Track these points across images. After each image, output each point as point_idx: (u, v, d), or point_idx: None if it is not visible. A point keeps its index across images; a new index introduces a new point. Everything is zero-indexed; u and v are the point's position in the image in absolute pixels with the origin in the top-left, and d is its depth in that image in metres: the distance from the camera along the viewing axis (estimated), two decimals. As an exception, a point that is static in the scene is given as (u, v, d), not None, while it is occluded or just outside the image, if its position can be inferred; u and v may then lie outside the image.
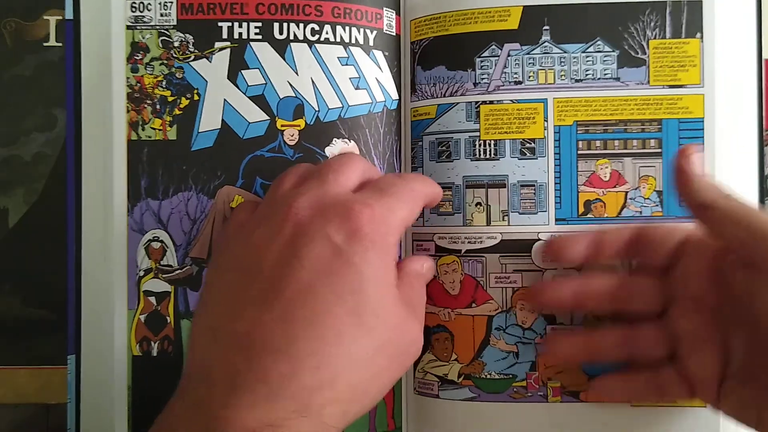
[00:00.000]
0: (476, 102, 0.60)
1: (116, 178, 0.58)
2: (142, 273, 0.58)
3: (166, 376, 0.57)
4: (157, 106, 0.58)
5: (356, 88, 0.60)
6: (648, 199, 0.58)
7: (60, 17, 0.63)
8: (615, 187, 0.59)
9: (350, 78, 0.59)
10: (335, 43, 0.59)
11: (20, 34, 0.63)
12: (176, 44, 0.58)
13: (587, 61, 0.59)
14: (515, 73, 0.60)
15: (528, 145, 0.59)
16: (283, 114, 0.59)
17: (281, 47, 0.59)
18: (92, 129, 0.58)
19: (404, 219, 0.49)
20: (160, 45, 0.58)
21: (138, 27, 0.58)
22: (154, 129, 0.58)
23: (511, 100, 0.60)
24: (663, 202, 0.58)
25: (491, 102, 0.60)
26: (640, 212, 0.59)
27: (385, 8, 0.61)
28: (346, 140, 0.59)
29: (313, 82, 0.59)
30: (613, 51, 0.59)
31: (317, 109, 0.59)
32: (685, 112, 0.58)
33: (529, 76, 0.59)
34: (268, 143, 0.59)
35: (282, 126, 0.59)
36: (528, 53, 0.59)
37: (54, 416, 0.62)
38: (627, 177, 0.59)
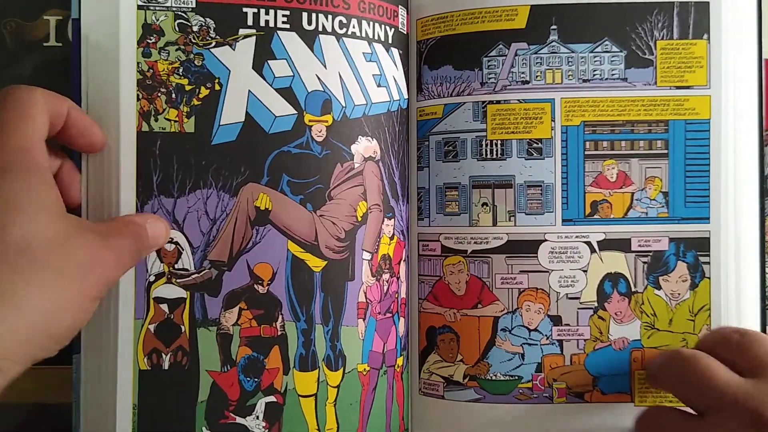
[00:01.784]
0: (483, 102, 0.60)
1: (124, 173, 0.52)
2: (152, 278, 0.53)
3: (179, 391, 0.53)
4: (173, 95, 0.53)
5: (378, 86, 0.58)
6: (654, 200, 0.58)
7: (60, 17, 0.62)
8: (621, 188, 0.59)
9: (373, 75, 0.58)
10: (361, 38, 0.58)
11: (20, 34, 0.62)
12: (195, 29, 0.54)
13: (595, 61, 0.59)
14: (522, 73, 0.59)
15: (535, 145, 0.59)
16: (310, 108, 0.55)
17: (310, 38, 0.56)
18: (96, 118, 0.51)
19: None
20: (177, 29, 0.53)
21: (151, 7, 0.53)
22: (168, 120, 0.53)
23: (518, 100, 0.59)
24: (669, 203, 0.58)
25: (498, 102, 0.59)
26: (646, 213, 0.58)
27: (399, 6, 0.60)
28: (369, 138, 0.58)
29: (340, 76, 0.57)
30: (621, 51, 0.59)
31: (344, 105, 0.57)
32: (692, 113, 0.58)
33: (537, 76, 0.59)
34: (295, 139, 0.55)
35: (310, 121, 0.55)
36: (535, 53, 0.59)
37: (54, 416, 0.61)
38: (633, 178, 0.59)
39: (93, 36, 0.52)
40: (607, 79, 0.59)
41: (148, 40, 0.53)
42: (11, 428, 0.61)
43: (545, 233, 0.59)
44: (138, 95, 0.53)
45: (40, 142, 0.45)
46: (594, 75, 0.59)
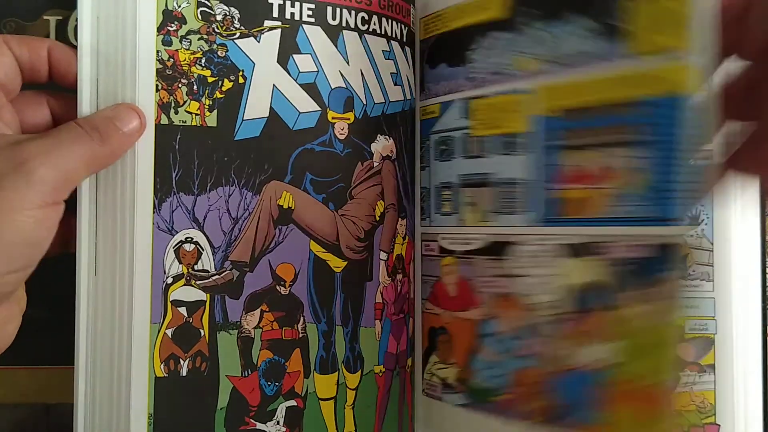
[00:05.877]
0: (467, 98, 0.58)
1: (141, 168, 0.49)
2: (170, 280, 0.50)
3: (198, 398, 0.51)
4: (195, 87, 0.50)
5: (395, 84, 0.58)
6: (639, 195, 0.52)
7: (60, 17, 0.61)
8: (602, 182, 0.52)
9: (391, 73, 0.58)
10: (381, 35, 0.57)
11: (20, 34, 0.61)
12: (219, 18, 0.51)
13: (569, 41, 0.52)
14: (498, 63, 0.56)
15: (510, 139, 0.55)
16: (333, 105, 0.55)
17: (334, 34, 0.55)
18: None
19: None
20: (199, 17, 0.51)
21: None
22: (189, 113, 0.50)
23: (495, 93, 0.56)
24: (656, 197, 0.52)
25: (480, 97, 0.57)
26: (631, 210, 0.52)
27: (411, 5, 0.61)
28: (387, 137, 0.58)
29: (362, 74, 0.56)
30: (596, 26, 0.51)
31: (365, 102, 0.56)
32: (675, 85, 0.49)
33: (510, 65, 0.55)
34: (318, 136, 0.54)
35: (333, 118, 0.55)
36: (508, 40, 0.55)
37: (54, 416, 0.61)
38: (616, 172, 0.52)
39: (106, 20, 0.49)
40: (583, 58, 0.52)
41: (169, 27, 0.50)
42: (11, 428, 0.61)
43: (519, 234, 0.55)
44: (157, 85, 0.49)
45: None
46: (570, 57, 0.52)
